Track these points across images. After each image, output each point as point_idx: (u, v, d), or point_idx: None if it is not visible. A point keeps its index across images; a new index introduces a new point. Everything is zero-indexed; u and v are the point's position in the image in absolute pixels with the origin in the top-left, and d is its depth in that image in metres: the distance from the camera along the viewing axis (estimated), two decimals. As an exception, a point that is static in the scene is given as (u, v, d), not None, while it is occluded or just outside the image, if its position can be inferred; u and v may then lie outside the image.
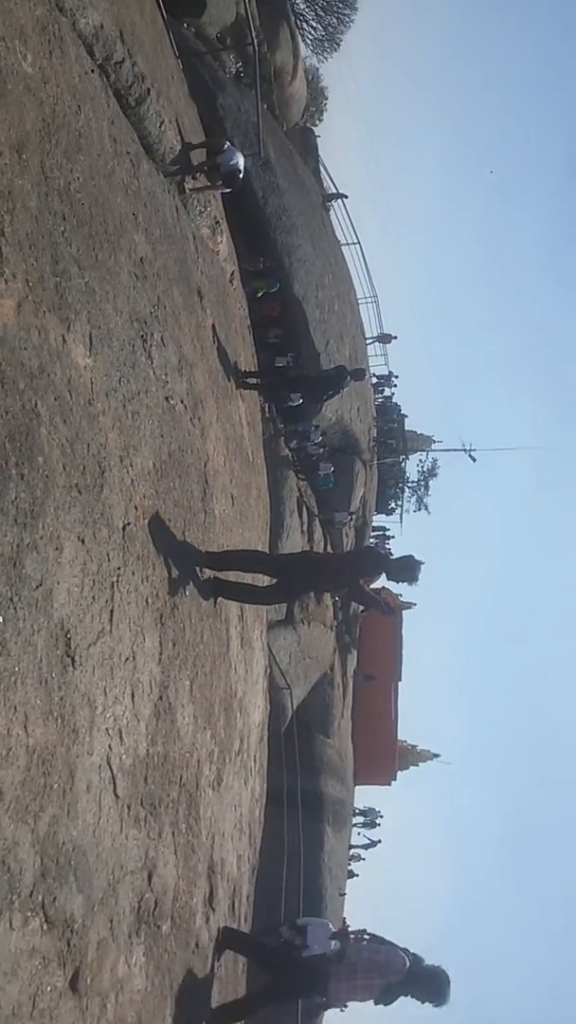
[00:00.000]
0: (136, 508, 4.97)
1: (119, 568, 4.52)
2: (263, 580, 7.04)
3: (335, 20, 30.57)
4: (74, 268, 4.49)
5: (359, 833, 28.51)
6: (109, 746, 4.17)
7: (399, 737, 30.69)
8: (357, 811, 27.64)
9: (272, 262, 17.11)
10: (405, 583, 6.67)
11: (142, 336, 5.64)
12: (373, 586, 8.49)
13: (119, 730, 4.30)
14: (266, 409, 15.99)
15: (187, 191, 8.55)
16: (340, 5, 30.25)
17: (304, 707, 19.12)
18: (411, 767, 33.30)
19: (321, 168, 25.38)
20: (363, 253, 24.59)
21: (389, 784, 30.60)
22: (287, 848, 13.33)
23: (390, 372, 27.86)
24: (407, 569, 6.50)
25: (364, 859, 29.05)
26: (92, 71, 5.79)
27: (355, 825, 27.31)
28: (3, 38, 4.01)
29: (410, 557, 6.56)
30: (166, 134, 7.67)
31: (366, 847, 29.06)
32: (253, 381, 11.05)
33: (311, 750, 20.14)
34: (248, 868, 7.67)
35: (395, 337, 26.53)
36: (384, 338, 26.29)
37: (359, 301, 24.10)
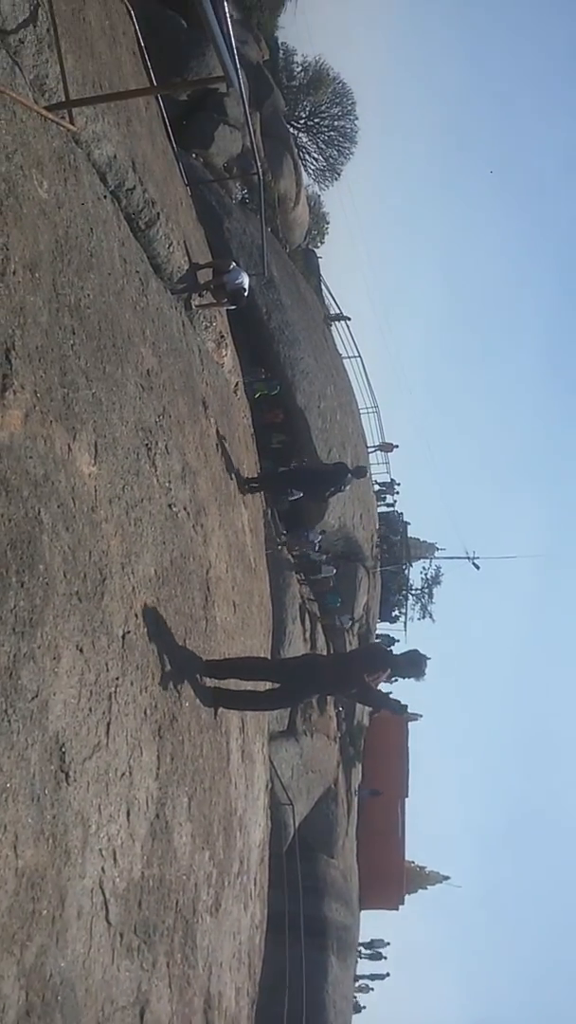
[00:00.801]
0: (137, 616, 4.91)
1: (118, 678, 4.43)
2: (265, 687, 6.89)
3: (336, 152, 32.55)
4: (82, 380, 4.60)
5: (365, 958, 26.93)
6: (102, 868, 3.96)
7: (406, 858, 29.31)
8: (361, 948, 26.11)
9: (275, 374, 17.60)
10: (411, 678, 6.57)
11: (147, 445, 5.72)
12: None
13: (113, 851, 4.10)
14: (269, 514, 16.10)
15: (194, 308, 8.87)
16: (340, 139, 32.28)
17: (307, 824, 18.38)
18: (419, 890, 31.68)
19: (323, 286, 26.47)
20: (364, 366, 25.33)
21: (396, 909, 29.02)
22: (289, 979, 12.56)
23: (392, 480, 28.21)
24: (413, 664, 6.39)
25: (372, 989, 27.31)
26: (105, 197, 6.10)
27: (360, 956, 25.80)
28: (21, 167, 4.24)
29: (415, 652, 6.46)
30: (174, 255, 8.01)
31: (373, 978, 27.37)
32: (256, 485, 11.17)
33: (314, 871, 19.24)
34: (247, 1002, 7.18)
35: (396, 446, 26.99)
36: (386, 447, 26.73)
37: (361, 411, 24.64)
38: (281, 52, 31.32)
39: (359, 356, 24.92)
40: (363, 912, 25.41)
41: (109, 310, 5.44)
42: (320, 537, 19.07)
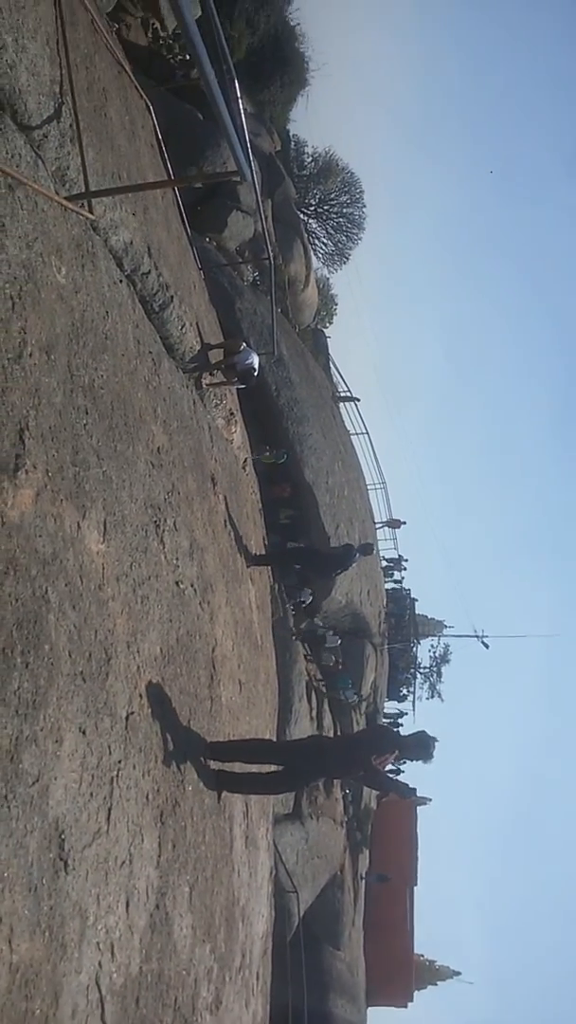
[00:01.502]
0: (141, 696, 4.83)
1: (120, 761, 4.33)
2: (270, 770, 6.73)
3: (344, 238, 33.62)
4: (93, 458, 4.64)
5: None
6: (99, 963, 3.80)
7: (415, 951, 28.06)
8: None
9: (284, 449, 17.78)
10: (419, 760, 6.45)
11: (155, 522, 5.73)
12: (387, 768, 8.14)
13: (111, 944, 3.94)
14: (276, 589, 16.04)
15: (204, 386, 9.01)
16: (349, 225, 33.38)
17: (312, 913, 17.70)
18: (429, 986, 30.21)
19: (331, 365, 26.97)
20: (371, 442, 25.58)
21: (405, 1006, 27.62)
22: None
23: (400, 556, 28.11)
24: (421, 745, 6.27)
25: None
26: (120, 281, 6.27)
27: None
28: (41, 254, 4.37)
29: (423, 733, 6.33)
30: (186, 335, 8.19)
31: None
32: (263, 561, 11.17)
33: (319, 963, 18.41)
34: None
35: (404, 522, 27.01)
36: (393, 523, 26.75)
37: (368, 487, 24.77)
38: (293, 143, 32.71)
39: (367, 433, 25.20)
40: (370, 1009, 24.19)
41: (122, 390, 5.53)
42: (311, 596, 18.84)
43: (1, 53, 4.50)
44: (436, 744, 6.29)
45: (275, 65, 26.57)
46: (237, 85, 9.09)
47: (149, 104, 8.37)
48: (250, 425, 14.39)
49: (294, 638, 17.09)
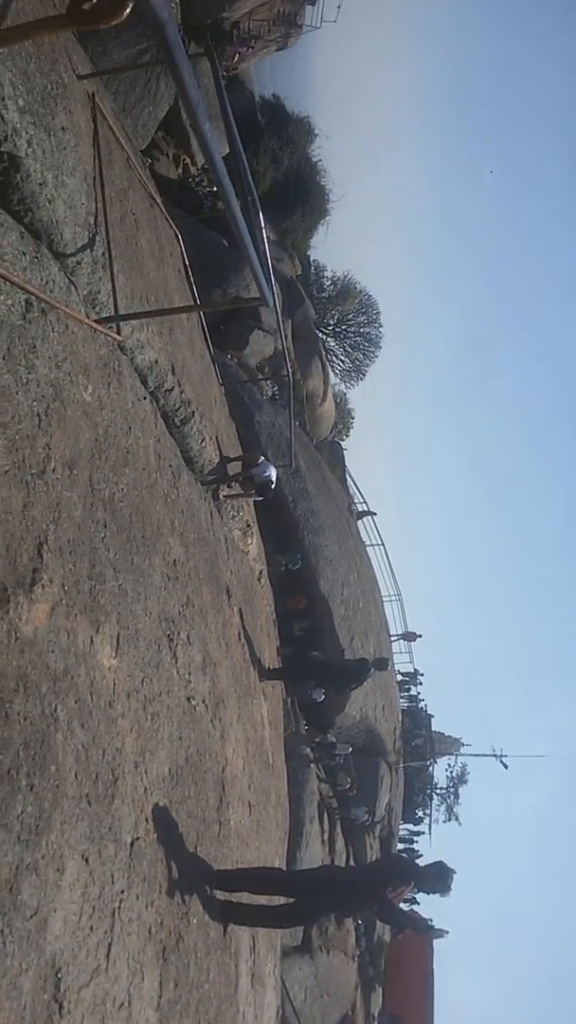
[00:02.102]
0: (147, 820, 4.65)
1: (123, 892, 4.12)
2: (280, 902, 6.39)
3: (361, 356, 34.71)
4: (109, 571, 4.64)
5: None
6: None
7: None
8: None
9: (298, 554, 17.78)
10: (437, 893, 6.10)
11: (169, 636, 5.67)
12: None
13: None
14: (289, 703, 15.71)
15: (222, 498, 9.11)
16: (366, 344, 34.52)
17: (321, 1058, 16.44)
18: None
19: (348, 476, 27.33)
20: (387, 554, 25.59)
21: None
22: None
23: (416, 670, 27.65)
24: (438, 878, 5.95)
25: None
26: (144, 398, 6.44)
27: None
28: (69, 373, 4.50)
29: (441, 864, 6.02)
30: (206, 449, 8.33)
31: None
32: (276, 675, 11.00)
33: None
34: None
35: (420, 635, 26.69)
36: (409, 636, 26.43)
37: (384, 599, 24.61)
38: (312, 268, 34.26)
39: (382, 544, 25.25)
40: None
41: (141, 503, 5.58)
42: (323, 695, 18.38)
43: (42, 188, 4.76)
44: (454, 876, 5.97)
45: (297, 197, 28.13)
46: (261, 215, 9.59)
47: (178, 233, 8.81)
48: (267, 535, 14.46)
49: (307, 756, 16.61)
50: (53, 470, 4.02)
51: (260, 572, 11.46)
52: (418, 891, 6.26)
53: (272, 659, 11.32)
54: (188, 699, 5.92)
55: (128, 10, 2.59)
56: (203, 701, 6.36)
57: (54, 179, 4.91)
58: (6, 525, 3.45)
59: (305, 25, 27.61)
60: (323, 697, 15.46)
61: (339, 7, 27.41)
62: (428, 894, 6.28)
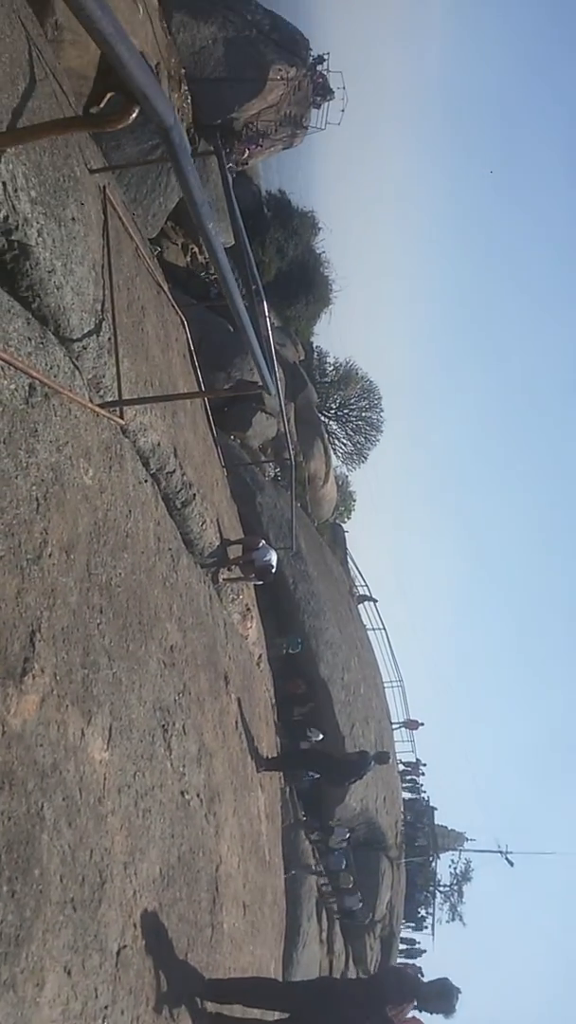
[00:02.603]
0: (135, 926, 4.39)
1: (107, 1007, 3.85)
2: (274, 1017, 5.99)
3: (363, 439, 35.09)
4: (104, 659, 4.50)
5: None
6: None
7: None
8: None
9: (298, 637, 17.53)
10: (440, 1014, 5.69)
11: (163, 726, 5.48)
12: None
13: None
14: (287, 792, 15.22)
15: (222, 581, 9.00)
16: (367, 428, 34.96)
17: None
18: None
19: (349, 559, 27.23)
20: (388, 638, 25.26)
21: None
22: None
23: (418, 760, 26.91)
24: (442, 996, 5.57)
25: None
26: (145, 481, 6.41)
27: None
28: (70, 457, 4.47)
29: (445, 981, 5.65)
30: (207, 532, 8.27)
31: None
32: (275, 764, 10.68)
33: None
34: None
35: (422, 723, 26.05)
36: (411, 724, 25.82)
37: (385, 685, 24.16)
38: (316, 353, 35.01)
39: (384, 629, 24.95)
40: None
41: (139, 587, 5.48)
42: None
43: (50, 276, 4.82)
44: (459, 995, 5.60)
45: (301, 286, 28.97)
46: (266, 304, 9.79)
47: (183, 319, 8.97)
48: (267, 618, 14.28)
49: (300, 830, 15.99)
50: (50, 555, 3.94)
51: (259, 656, 11.25)
52: (420, 1010, 5.85)
53: (271, 747, 10.99)
54: (182, 793, 5.69)
55: (134, 115, 2.66)
56: (197, 795, 6.11)
57: (63, 267, 4.98)
58: (-2, 612, 3.35)
59: (310, 126, 28.91)
60: (318, 775, 14.96)
61: (343, 111, 28.75)
62: (431, 1014, 5.82)
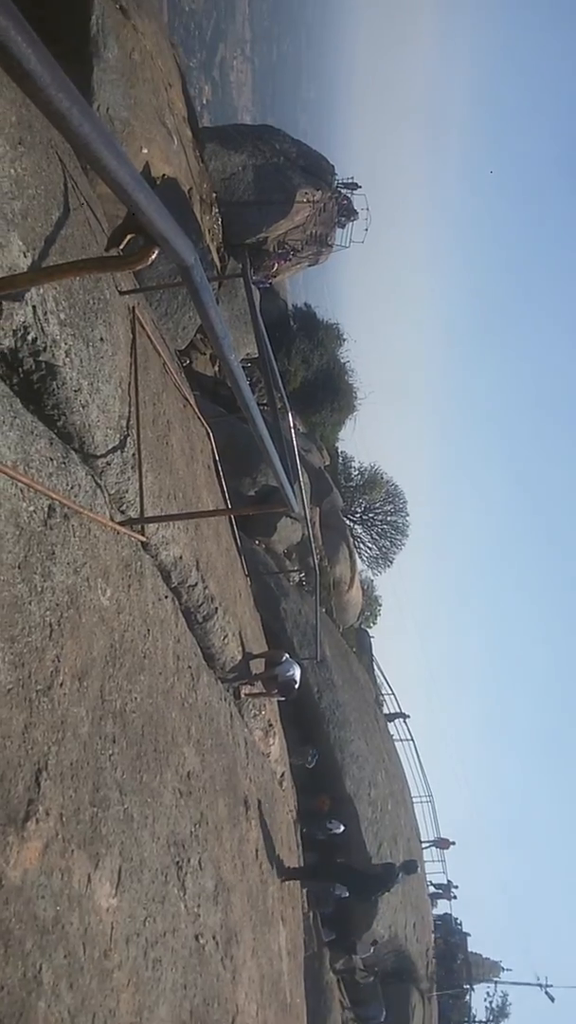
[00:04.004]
0: None
1: None
2: None
3: (388, 543, 34.94)
4: (115, 794, 4.24)
5: None
6: None
7: None
8: None
9: (323, 755, 16.93)
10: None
11: (178, 863, 5.14)
12: None
13: None
14: (311, 918, 14.35)
15: (244, 696, 8.71)
16: (393, 532, 34.86)
17: None
18: None
19: (375, 665, 26.63)
20: (417, 751, 24.37)
21: None
22: None
23: (449, 881, 25.43)
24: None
25: None
26: (166, 596, 6.26)
27: None
28: (88, 579, 4.35)
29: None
30: (228, 646, 8.06)
31: None
32: (297, 873, 10.14)
33: None
34: None
35: (453, 843, 24.75)
36: (442, 843, 24.55)
37: (414, 800, 23.13)
38: (341, 458, 35.35)
39: (412, 740, 24.09)
40: None
41: (155, 711, 5.25)
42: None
43: (76, 395, 4.83)
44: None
45: (327, 394, 29.52)
46: (291, 415, 9.87)
47: (209, 431, 9.02)
48: (290, 727, 13.82)
49: (324, 959, 14.93)
50: (61, 684, 3.76)
51: (282, 775, 10.78)
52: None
53: (292, 876, 10.39)
54: (196, 937, 5.28)
55: (154, 256, 2.67)
56: (213, 937, 5.68)
57: (89, 386, 5.00)
58: (3, 752, 3.15)
59: (336, 245, 30.11)
60: (346, 894, 14.15)
61: (366, 230, 29.96)
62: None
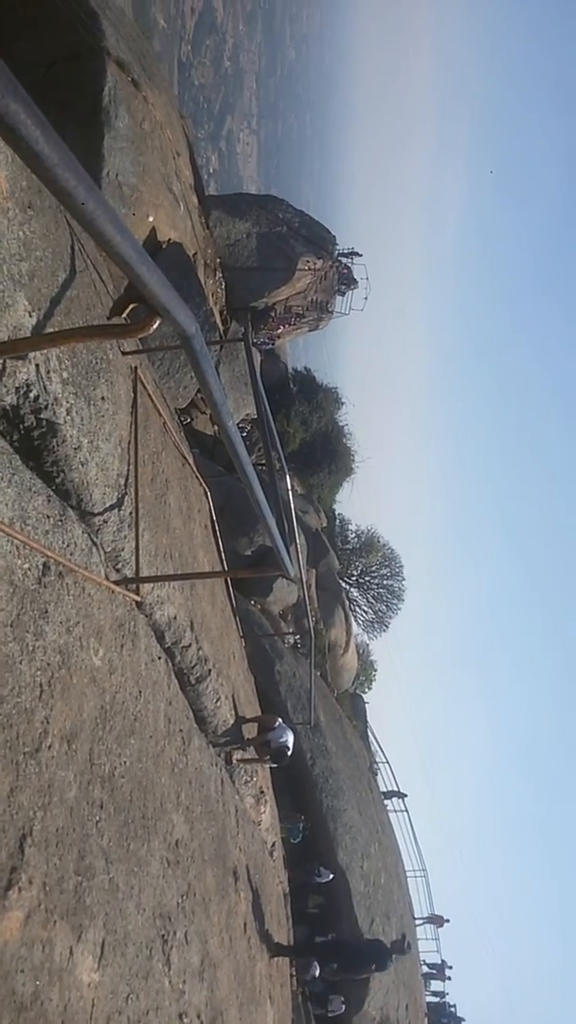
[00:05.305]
0: None
1: None
2: None
3: (384, 607, 34.78)
4: (100, 863, 4.11)
5: None
6: None
7: None
8: None
9: (316, 825, 16.52)
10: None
11: (163, 936, 4.95)
12: None
13: None
14: (299, 998, 13.80)
15: (235, 762, 8.53)
16: (389, 596, 34.73)
17: None
18: None
19: (369, 732, 26.20)
20: (412, 825, 23.77)
21: None
22: None
23: (443, 961, 24.50)
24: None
25: None
26: (159, 657, 6.18)
27: None
28: (80, 638, 4.29)
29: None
30: (221, 709, 7.93)
31: None
32: (287, 951, 9.79)
33: None
34: None
35: (448, 920, 23.91)
36: (436, 920, 23.74)
37: (408, 874, 22.47)
38: (338, 521, 35.43)
39: (406, 810, 23.53)
40: None
41: (145, 776, 5.13)
42: (343, 1006, 15.72)
43: (76, 453, 4.85)
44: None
45: (325, 456, 29.78)
46: (288, 477, 9.92)
47: (207, 491, 9.05)
48: (281, 795, 13.50)
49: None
50: (49, 747, 3.67)
51: (272, 844, 10.50)
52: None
53: (283, 943, 10.02)
54: (180, 1016, 5.06)
55: (156, 326, 2.73)
56: (198, 1016, 5.44)
57: (89, 444, 5.03)
58: (-14, 816, 3.06)
59: (336, 311, 30.74)
60: (343, 1008, 13.61)
61: (366, 298, 30.64)
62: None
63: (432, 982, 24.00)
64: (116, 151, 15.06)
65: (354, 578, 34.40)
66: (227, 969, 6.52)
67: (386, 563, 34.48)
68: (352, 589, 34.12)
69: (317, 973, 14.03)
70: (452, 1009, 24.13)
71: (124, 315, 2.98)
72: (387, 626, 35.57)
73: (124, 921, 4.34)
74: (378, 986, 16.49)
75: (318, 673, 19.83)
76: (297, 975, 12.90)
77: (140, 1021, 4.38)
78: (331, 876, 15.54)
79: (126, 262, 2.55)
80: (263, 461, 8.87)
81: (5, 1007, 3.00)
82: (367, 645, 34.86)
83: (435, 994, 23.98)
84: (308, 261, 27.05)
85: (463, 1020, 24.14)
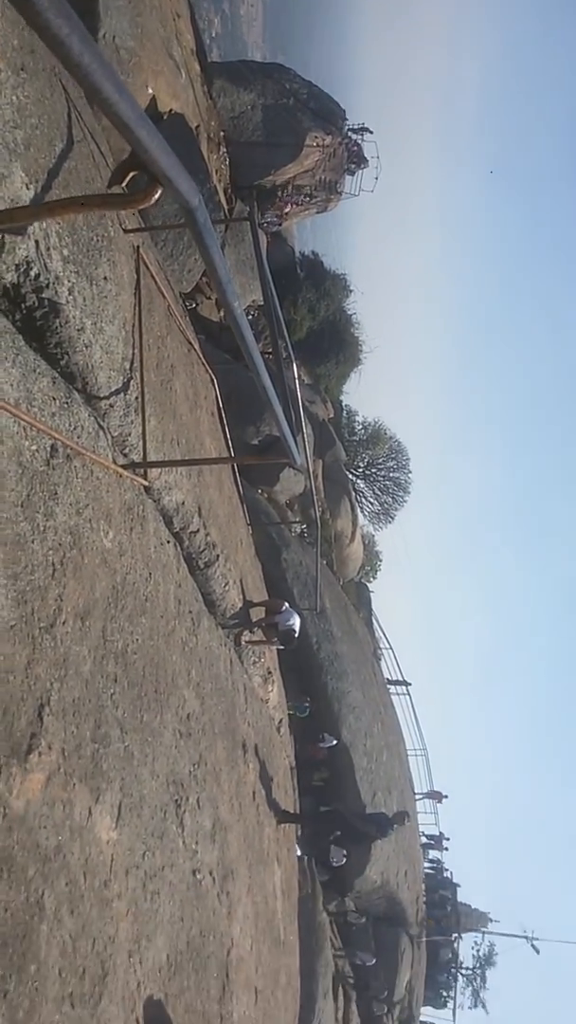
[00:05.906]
0: (138, 1022, 4.10)
1: None
2: None
3: (390, 499, 34.91)
4: (116, 732, 4.30)
5: None
6: None
7: None
8: None
9: (321, 706, 17.15)
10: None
11: (176, 801, 5.24)
12: None
13: None
14: (305, 861, 14.71)
15: (243, 644, 8.79)
16: (395, 488, 34.80)
17: None
18: None
19: (374, 619, 26.82)
20: (412, 703, 24.64)
21: None
22: None
23: (441, 833, 25.92)
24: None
25: None
26: (168, 541, 6.27)
27: None
28: (90, 520, 4.35)
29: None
30: (229, 592, 8.10)
31: None
32: (293, 817, 10.42)
33: None
34: None
35: (446, 796, 25.17)
36: (434, 795, 24.98)
37: (409, 753, 23.49)
38: (345, 412, 35.11)
39: (408, 692, 24.35)
40: None
41: (156, 653, 5.30)
42: (344, 858, 16.99)
43: (80, 334, 4.77)
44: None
45: (332, 345, 29.18)
46: (295, 365, 9.76)
47: (213, 378, 8.94)
48: (288, 677, 13.97)
49: (318, 902, 15.38)
50: (63, 623, 3.78)
51: (280, 721, 10.94)
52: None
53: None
54: (193, 872, 5.41)
55: (158, 196, 2.60)
56: (210, 873, 5.82)
57: (93, 325, 4.94)
58: (6, 686, 3.18)
59: (345, 192, 29.48)
60: (344, 860, 14.49)
61: (376, 178, 29.31)
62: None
63: (431, 852, 25.53)
64: (113, 10, 14.07)
65: (360, 470, 34.39)
66: (237, 832, 6.93)
67: (393, 455, 34.37)
68: (358, 480, 34.16)
69: (343, 861, 15.01)
70: (448, 875, 25.77)
71: (124, 184, 2.86)
72: (393, 518, 35.86)
73: (139, 786, 4.58)
74: (379, 853, 17.50)
75: (324, 562, 20.12)
76: (301, 850, 13.71)
77: (156, 876, 4.69)
78: (334, 742, 16.35)
79: (125, 124, 2.40)
80: (270, 350, 8.73)
81: (31, 858, 3.20)
82: (372, 536, 35.25)
83: (432, 862, 25.55)
84: (316, 136, 25.72)
85: (458, 885, 25.80)
